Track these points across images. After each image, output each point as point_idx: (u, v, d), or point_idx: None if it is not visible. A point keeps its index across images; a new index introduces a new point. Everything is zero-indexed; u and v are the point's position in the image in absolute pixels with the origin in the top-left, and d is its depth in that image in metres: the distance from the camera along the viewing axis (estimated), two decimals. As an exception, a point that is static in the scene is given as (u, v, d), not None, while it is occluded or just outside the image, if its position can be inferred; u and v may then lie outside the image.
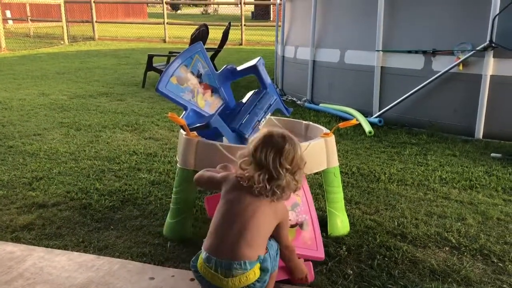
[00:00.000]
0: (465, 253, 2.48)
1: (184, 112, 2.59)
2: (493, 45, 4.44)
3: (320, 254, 2.29)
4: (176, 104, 2.61)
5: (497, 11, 4.38)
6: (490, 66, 4.55)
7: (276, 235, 1.90)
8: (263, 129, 1.92)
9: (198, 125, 2.51)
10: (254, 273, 1.76)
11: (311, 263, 2.19)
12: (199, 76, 2.71)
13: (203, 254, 1.81)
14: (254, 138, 1.86)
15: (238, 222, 1.78)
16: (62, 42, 16.01)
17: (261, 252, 1.79)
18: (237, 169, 1.88)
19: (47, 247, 2.48)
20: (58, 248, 2.47)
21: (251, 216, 1.78)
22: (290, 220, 2.23)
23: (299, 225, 2.30)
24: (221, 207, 1.87)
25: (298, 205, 2.32)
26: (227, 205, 1.85)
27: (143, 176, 3.56)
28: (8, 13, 18.87)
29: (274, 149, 1.78)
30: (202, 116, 2.64)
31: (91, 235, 2.63)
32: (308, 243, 2.27)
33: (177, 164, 2.55)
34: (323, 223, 2.66)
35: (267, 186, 1.77)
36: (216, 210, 1.89)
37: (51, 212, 2.90)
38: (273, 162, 1.77)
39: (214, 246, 1.79)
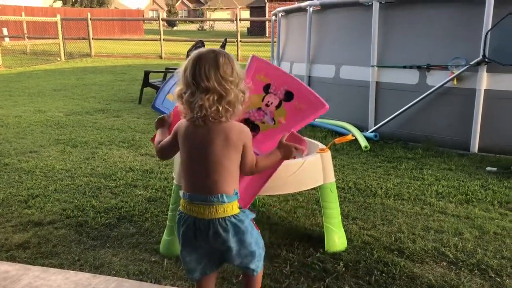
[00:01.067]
0: (463, 268, 2.48)
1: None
2: (486, 60, 4.49)
3: (321, 107, 2.19)
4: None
5: (489, 27, 4.43)
6: (484, 81, 4.59)
7: (240, 165, 1.80)
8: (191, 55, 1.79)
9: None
10: (232, 207, 1.74)
11: (294, 133, 2.07)
12: (195, 93, 2.73)
13: (180, 193, 1.81)
14: (184, 67, 1.75)
15: (202, 164, 1.74)
16: (58, 59, 16.08)
17: (236, 186, 1.77)
18: (180, 108, 1.78)
19: (42, 265, 2.46)
20: (54, 267, 2.45)
21: (209, 153, 1.72)
22: (271, 103, 2.18)
23: (282, 100, 2.20)
24: (182, 153, 1.81)
25: (270, 85, 2.24)
26: (185, 147, 1.79)
27: (140, 193, 3.55)
28: (5, 31, 18.98)
29: (211, 66, 1.70)
30: (199, 133, 2.65)
31: (87, 253, 2.62)
32: (303, 107, 2.19)
33: (173, 181, 2.55)
34: (320, 239, 2.66)
35: (219, 107, 1.70)
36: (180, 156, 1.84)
37: (46, 230, 2.89)
38: (216, 80, 1.69)
39: (188, 187, 1.79)
